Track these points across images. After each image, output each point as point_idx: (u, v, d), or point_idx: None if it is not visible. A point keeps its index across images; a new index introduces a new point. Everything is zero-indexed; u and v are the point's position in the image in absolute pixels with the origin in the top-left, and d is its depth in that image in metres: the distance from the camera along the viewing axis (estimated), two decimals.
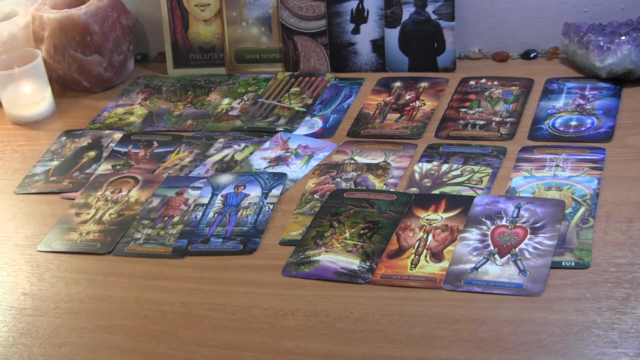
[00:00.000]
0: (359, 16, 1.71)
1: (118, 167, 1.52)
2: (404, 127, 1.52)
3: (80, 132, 1.64)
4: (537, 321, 1.08)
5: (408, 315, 1.12)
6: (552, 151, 1.40)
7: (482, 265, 1.18)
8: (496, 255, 1.19)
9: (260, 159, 1.49)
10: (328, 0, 1.71)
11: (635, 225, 1.22)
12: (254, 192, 1.39)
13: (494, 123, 1.50)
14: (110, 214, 1.39)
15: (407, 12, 1.68)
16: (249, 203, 1.37)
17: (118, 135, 1.61)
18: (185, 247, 1.30)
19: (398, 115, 1.56)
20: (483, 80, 1.63)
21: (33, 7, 1.78)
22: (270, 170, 1.45)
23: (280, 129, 1.57)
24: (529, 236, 1.21)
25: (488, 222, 1.25)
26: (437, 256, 1.21)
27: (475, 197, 1.31)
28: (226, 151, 1.52)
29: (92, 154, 1.57)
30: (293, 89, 1.68)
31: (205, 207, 1.37)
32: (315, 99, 1.64)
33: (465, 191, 1.34)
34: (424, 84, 1.64)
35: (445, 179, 1.37)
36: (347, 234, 1.27)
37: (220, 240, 1.30)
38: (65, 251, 1.33)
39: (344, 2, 1.70)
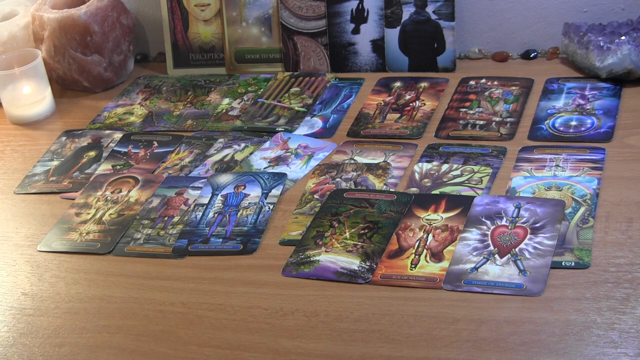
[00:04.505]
0: (359, 16, 1.71)
1: (118, 167, 1.52)
2: (404, 127, 1.52)
3: (80, 132, 1.64)
4: (537, 321, 1.08)
5: (408, 315, 1.12)
6: (552, 151, 1.40)
7: (482, 265, 1.18)
8: (496, 255, 1.19)
9: (260, 159, 1.49)
10: (328, 0, 1.71)
11: (635, 225, 1.22)
12: (254, 192, 1.39)
13: (494, 123, 1.50)
14: (110, 214, 1.39)
15: (407, 12, 1.68)
16: (249, 203, 1.37)
17: (118, 135, 1.61)
18: (185, 247, 1.30)
19: (398, 115, 1.56)
20: (483, 80, 1.63)
21: (33, 7, 1.78)
22: (270, 170, 1.45)
23: (280, 129, 1.57)
24: (529, 236, 1.21)
25: (488, 222, 1.25)
26: (437, 256, 1.21)
27: (475, 197, 1.31)
28: (226, 151, 1.52)
29: (92, 154, 1.57)
30: (293, 89, 1.68)
31: (205, 207, 1.37)
32: (315, 99, 1.64)
33: (465, 191, 1.34)
34: (424, 84, 1.65)
35: (445, 179, 1.37)
36: (347, 234, 1.27)
37: (220, 240, 1.30)
38: (65, 251, 1.33)
39: (344, 2, 1.70)
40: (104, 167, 1.53)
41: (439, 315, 1.11)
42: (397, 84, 1.66)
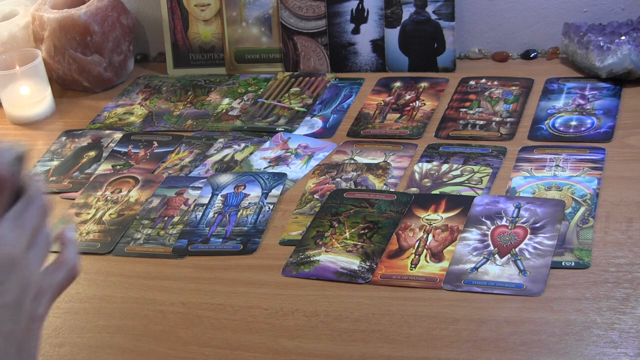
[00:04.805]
0: (359, 16, 1.71)
1: (118, 167, 1.52)
2: (404, 127, 1.52)
3: (80, 132, 1.64)
4: (537, 321, 1.08)
5: (408, 315, 1.12)
6: (552, 151, 1.40)
7: (482, 265, 1.18)
8: (496, 255, 1.19)
9: (260, 159, 1.49)
10: (328, 0, 1.71)
11: (635, 225, 1.22)
12: (254, 192, 1.39)
13: (494, 123, 1.50)
14: (110, 214, 1.39)
15: (407, 12, 1.68)
16: (249, 203, 1.37)
17: (118, 135, 1.61)
18: (185, 247, 1.30)
19: (398, 115, 1.56)
20: (483, 80, 1.63)
21: (33, 7, 1.78)
22: (270, 170, 1.45)
23: (280, 129, 1.57)
24: (529, 236, 1.21)
25: (488, 222, 1.25)
26: (437, 256, 1.21)
27: (475, 197, 1.31)
28: (226, 151, 1.52)
29: (92, 154, 1.57)
30: (293, 89, 1.69)
31: (205, 207, 1.37)
32: (315, 99, 1.64)
33: (465, 191, 1.34)
34: (424, 84, 1.65)
35: (445, 179, 1.37)
36: (347, 234, 1.27)
37: (220, 240, 1.30)
38: None
39: (344, 2, 1.70)
40: (104, 167, 1.53)
41: (439, 315, 1.11)
42: (397, 84, 1.66)
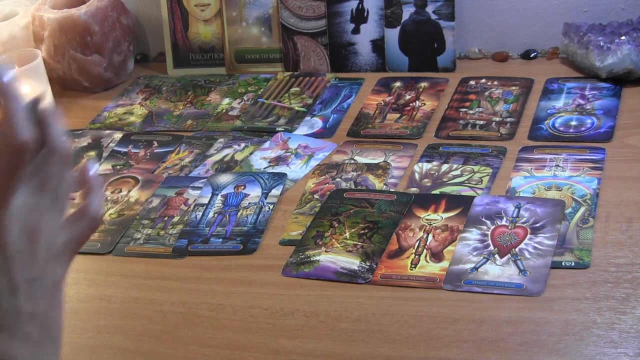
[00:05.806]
0: (359, 16, 1.71)
1: (118, 167, 1.52)
2: (404, 127, 1.52)
3: (80, 132, 1.64)
4: (537, 321, 1.08)
5: (408, 315, 1.12)
6: (552, 151, 1.40)
7: (482, 265, 1.18)
8: (496, 255, 1.19)
9: (260, 159, 1.49)
10: (328, 0, 1.71)
11: (635, 225, 1.22)
12: (254, 192, 1.39)
13: (494, 123, 1.50)
14: (110, 214, 1.39)
15: (407, 12, 1.68)
16: (249, 203, 1.37)
17: (118, 135, 1.61)
18: (185, 247, 1.30)
19: (398, 115, 1.56)
20: (483, 80, 1.63)
21: (33, 7, 1.78)
22: (270, 170, 1.45)
23: (280, 129, 1.57)
24: (529, 236, 1.21)
25: (488, 222, 1.25)
26: (437, 256, 1.21)
27: (475, 197, 1.31)
28: (226, 151, 1.52)
29: (92, 154, 1.57)
30: (293, 89, 1.69)
31: (205, 207, 1.37)
32: (315, 99, 1.64)
33: (465, 191, 1.34)
34: (424, 84, 1.65)
35: (445, 179, 1.37)
36: (347, 234, 1.27)
37: (220, 240, 1.30)
38: None
39: (344, 2, 1.70)
40: (104, 167, 1.53)
41: (439, 315, 1.11)
42: (397, 84, 1.66)
